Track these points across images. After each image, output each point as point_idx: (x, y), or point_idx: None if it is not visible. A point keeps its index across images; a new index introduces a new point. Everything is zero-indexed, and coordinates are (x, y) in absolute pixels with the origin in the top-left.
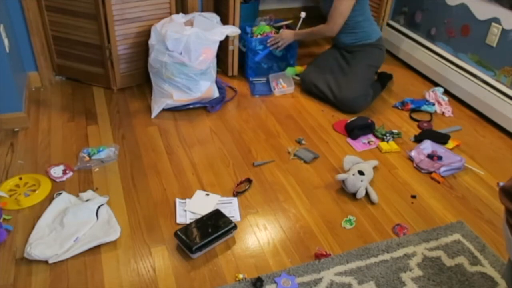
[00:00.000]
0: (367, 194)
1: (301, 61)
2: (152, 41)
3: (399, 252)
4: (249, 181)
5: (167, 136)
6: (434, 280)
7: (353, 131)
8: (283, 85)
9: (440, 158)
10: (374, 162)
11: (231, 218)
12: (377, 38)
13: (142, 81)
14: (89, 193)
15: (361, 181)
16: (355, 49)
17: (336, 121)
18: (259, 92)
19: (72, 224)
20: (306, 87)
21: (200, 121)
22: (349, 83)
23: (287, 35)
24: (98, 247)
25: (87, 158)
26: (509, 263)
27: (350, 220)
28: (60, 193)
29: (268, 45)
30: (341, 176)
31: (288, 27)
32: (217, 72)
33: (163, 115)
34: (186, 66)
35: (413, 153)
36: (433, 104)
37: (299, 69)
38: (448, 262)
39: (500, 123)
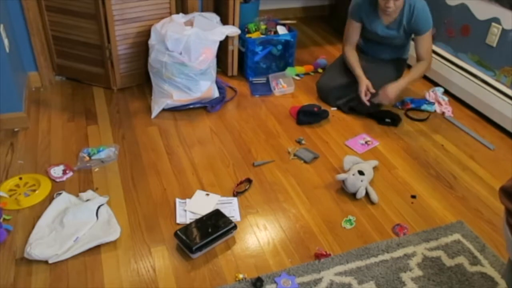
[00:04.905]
0: (367, 194)
1: (300, 60)
2: (152, 41)
3: (399, 252)
4: (249, 181)
5: (167, 136)
6: (434, 280)
7: (298, 116)
8: (283, 85)
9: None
10: (374, 162)
11: (231, 218)
12: (408, 53)
13: (142, 81)
14: (89, 193)
15: (361, 181)
16: (387, 61)
17: (292, 106)
18: (259, 92)
19: (72, 224)
20: (325, 87)
21: (200, 121)
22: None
23: (392, 92)
24: (98, 247)
25: (87, 158)
26: (509, 263)
27: (350, 220)
28: (60, 193)
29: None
30: (341, 176)
31: (288, 27)
32: (217, 72)
33: (163, 115)
34: (186, 66)
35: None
36: (433, 104)
37: (299, 69)
38: (448, 262)
39: (500, 123)
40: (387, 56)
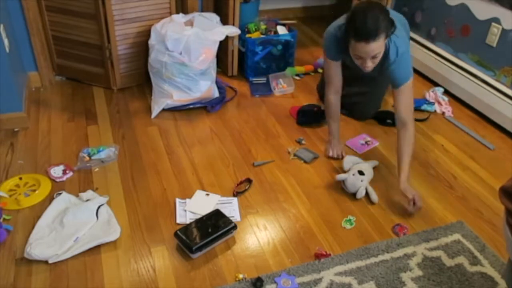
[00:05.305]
0: (367, 194)
1: (300, 60)
2: (152, 41)
3: (399, 252)
4: (249, 181)
5: (167, 136)
6: (434, 280)
7: (298, 116)
8: (283, 85)
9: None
10: (374, 162)
11: (231, 218)
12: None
13: (142, 81)
14: (89, 193)
15: (361, 181)
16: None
17: (292, 106)
18: (259, 92)
19: (72, 224)
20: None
21: (200, 121)
22: (371, 102)
23: (415, 191)
24: (98, 247)
25: (87, 158)
26: (509, 263)
27: (350, 220)
28: (60, 193)
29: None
30: (341, 176)
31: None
32: (217, 72)
33: (163, 115)
34: (186, 66)
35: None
36: (433, 104)
37: (299, 69)
38: (448, 262)
39: (500, 123)
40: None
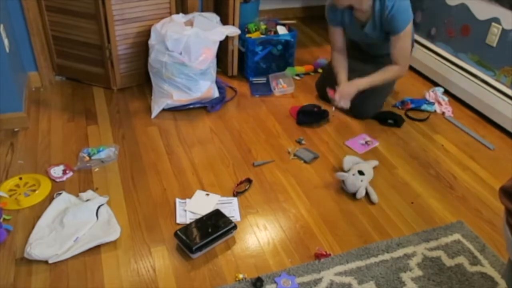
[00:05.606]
0: (367, 194)
1: (300, 60)
2: (152, 41)
3: (399, 252)
4: (249, 181)
5: (167, 136)
6: (434, 280)
7: (298, 116)
8: (283, 85)
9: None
10: (374, 162)
11: (231, 218)
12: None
13: (142, 81)
14: (89, 193)
15: (361, 181)
16: (385, 58)
17: (292, 106)
18: (259, 92)
19: (72, 224)
20: (322, 88)
21: (200, 121)
22: (373, 100)
23: (348, 91)
24: (98, 247)
25: (87, 158)
26: (509, 263)
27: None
28: (60, 193)
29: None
30: (341, 174)
31: (288, 27)
32: (217, 72)
33: (163, 115)
34: (186, 66)
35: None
36: (433, 104)
37: (299, 69)
38: (448, 262)
39: (500, 123)
40: (386, 51)
